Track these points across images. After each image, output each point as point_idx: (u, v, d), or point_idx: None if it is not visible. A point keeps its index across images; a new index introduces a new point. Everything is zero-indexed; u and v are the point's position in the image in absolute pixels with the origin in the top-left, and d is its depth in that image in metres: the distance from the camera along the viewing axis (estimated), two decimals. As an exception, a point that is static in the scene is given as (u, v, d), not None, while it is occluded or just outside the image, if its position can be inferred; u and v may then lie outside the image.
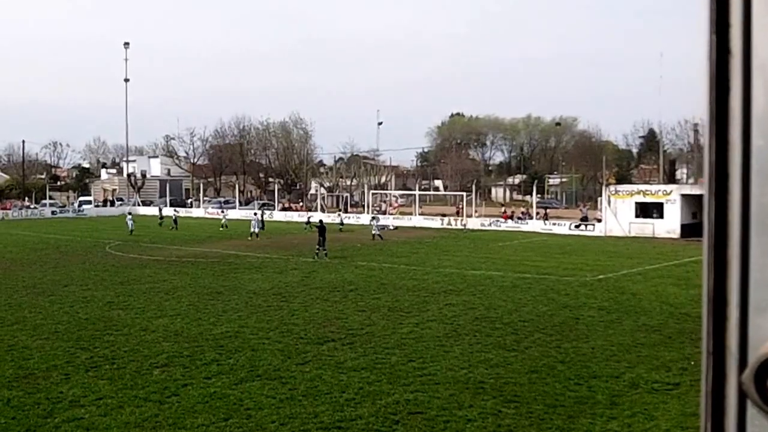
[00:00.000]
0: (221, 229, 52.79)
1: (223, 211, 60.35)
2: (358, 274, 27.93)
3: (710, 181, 0.88)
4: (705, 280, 0.89)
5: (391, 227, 56.39)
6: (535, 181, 64.71)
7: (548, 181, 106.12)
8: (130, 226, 49.19)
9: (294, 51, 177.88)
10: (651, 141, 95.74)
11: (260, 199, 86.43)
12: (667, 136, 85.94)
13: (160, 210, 62.36)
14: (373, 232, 44.80)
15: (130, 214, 54.86)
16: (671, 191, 48.62)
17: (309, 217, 59.45)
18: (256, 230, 45.81)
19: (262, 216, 55.71)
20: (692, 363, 14.11)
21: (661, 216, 47.64)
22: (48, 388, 12.38)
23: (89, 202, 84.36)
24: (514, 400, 11.75)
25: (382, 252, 36.92)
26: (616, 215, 49.79)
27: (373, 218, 50.42)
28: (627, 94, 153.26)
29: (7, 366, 13.82)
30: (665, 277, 27.13)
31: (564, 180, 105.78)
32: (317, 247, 33.78)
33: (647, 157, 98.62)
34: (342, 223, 55.79)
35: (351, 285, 24.76)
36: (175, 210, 63.26)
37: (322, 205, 74.90)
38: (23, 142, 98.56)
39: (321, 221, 36.95)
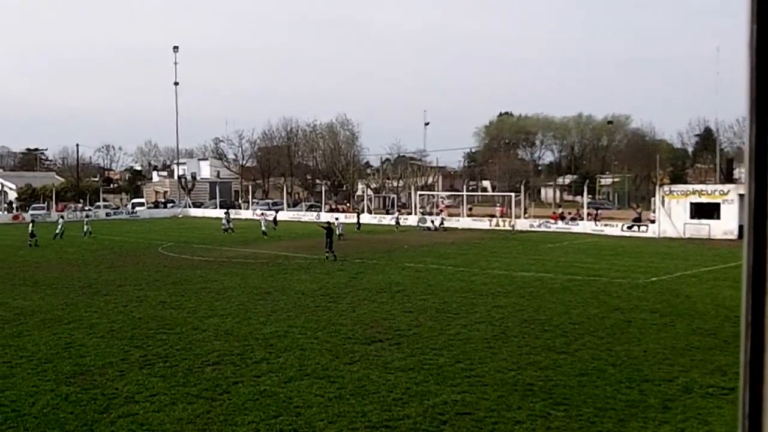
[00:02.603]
0: (224, 233, 51.56)
1: (226, 213, 58.34)
2: (405, 275, 27.94)
3: (750, 163, 0.91)
4: (745, 256, 0.92)
5: (433, 228, 56.27)
6: (586, 182, 63.72)
7: (599, 182, 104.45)
8: (262, 225, 49.71)
9: (340, 52, 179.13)
10: (707, 139, 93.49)
11: (307, 201, 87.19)
12: (724, 134, 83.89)
13: (276, 213, 61.97)
14: (338, 232, 44.54)
15: (227, 213, 56.57)
16: (728, 191, 47.33)
17: (397, 219, 59.76)
18: (264, 229, 48.34)
19: (340, 220, 57.74)
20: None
21: (717, 217, 46.44)
22: (104, 384, 12.72)
23: (142, 204, 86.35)
24: (564, 402, 11.61)
25: (429, 253, 36.87)
26: (670, 216, 48.70)
27: (336, 218, 50.95)
28: (682, 91, 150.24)
29: (65, 363, 14.24)
30: (721, 280, 26.44)
31: (616, 180, 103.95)
32: (326, 249, 33.97)
33: (703, 156, 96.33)
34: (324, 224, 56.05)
35: (398, 286, 24.79)
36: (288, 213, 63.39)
37: (368, 206, 75.15)
38: (77, 145, 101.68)
39: (329, 223, 36.92)
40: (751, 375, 0.92)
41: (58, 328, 17.72)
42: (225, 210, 61.96)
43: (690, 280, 26.60)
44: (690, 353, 14.99)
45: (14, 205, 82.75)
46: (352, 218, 66.55)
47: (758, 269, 0.90)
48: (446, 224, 57.86)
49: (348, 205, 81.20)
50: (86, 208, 76.34)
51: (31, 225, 43.58)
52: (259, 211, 67.04)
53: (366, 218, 62.93)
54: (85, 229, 49.18)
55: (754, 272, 0.90)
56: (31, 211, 72.42)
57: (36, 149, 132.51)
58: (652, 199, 60.95)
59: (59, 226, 48.56)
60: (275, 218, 57.19)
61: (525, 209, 62.22)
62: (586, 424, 10.65)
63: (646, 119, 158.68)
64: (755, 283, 0.90)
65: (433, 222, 58.09)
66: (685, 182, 70.92)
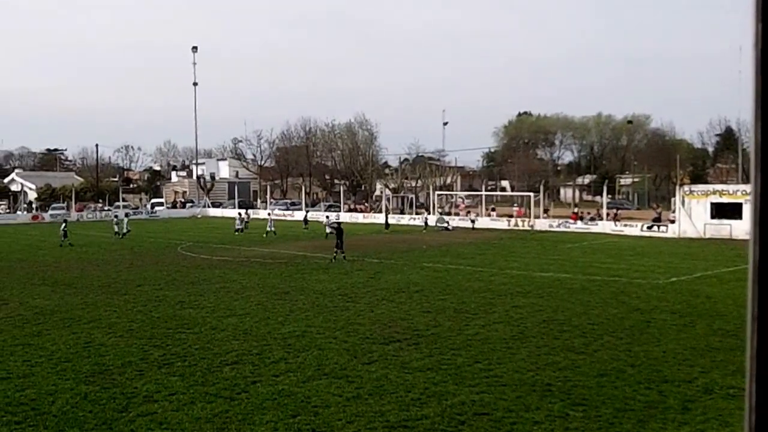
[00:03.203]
0: (239, 232, 51.58)
1: (241, 214, 57.86)
2: (424, 275, 27.90)
3: (756, 158, 0.92)
4: (751, 249, 0.93)
5: (450, 228, 56.10)
6: (606, 181, 63.25)
7: (619, 182, 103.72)
8: (268, 225, 50.18)
9: (359, 52, 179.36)
10: (728, 139, 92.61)
11: (326, 201, 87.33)
12: (746, 134, 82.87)
13: (306, 213, 61.73)
14: (327, 231, 44.16)
15: (240, 214, 56.73)
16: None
17: (426, 219, 59.43)
18: (272, 229, 48.74)
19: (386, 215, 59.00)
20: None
21: (739, 217, 45.92)
22: (123, 383, 12.80)
23: (161, 204, 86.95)
24: (582, 403, 11.53)
25: (447, 253, 36.80)
26: (691, 216, 48.25)
27: (327, 216, 50.85)
28: (702, 90, 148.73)
29: (84, 362, 14.35)
30: (743, 280, 26.02)
31: (636, 180, 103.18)
32: (335, 249, 33.94)
33: (724, 156, 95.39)
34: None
35: (416, 286, 24.75)
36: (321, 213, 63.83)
37: (386, 207, 75.09)
38: (96, 146, 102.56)
39: (339, 223, 36.93)
40: (758, 368, 0.92)
41: (78, 327, 17.87)
42: (239, 211, 62.10)
43: (711, 280, 26.32)
44: (710, 354, 14.83)
45: (34, 205, 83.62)
46: (370, 218, 66.52)
47: (764, 262, 0.90)
48: (463, 224, 57.70)
49: (366, 205, 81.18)
50: (105, 208, 77.01)
51: (63, 224, 44.00)
52: (277, 210, 67.25)
53: (383, 218, 62.83)
54: (115, 230, 49.57)
55: (760, 265, 0.90)
56: (51, 211, 73.14)
57: (56, 149, 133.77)
58: (672, 199, 60.43)
59: (118, 225, 49.38)
60: (305, 218, 57.36)
61: (545, 209, 61.90)
62: (605, 424, 10.57)
63: (666, 119, 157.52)
64: (761, 276, 0.90)
65: (448, 222, 57.98)
66: (706, 182, 70.25)
